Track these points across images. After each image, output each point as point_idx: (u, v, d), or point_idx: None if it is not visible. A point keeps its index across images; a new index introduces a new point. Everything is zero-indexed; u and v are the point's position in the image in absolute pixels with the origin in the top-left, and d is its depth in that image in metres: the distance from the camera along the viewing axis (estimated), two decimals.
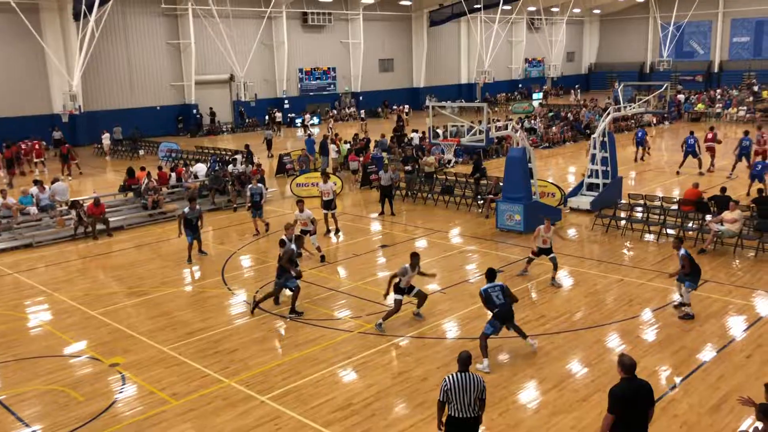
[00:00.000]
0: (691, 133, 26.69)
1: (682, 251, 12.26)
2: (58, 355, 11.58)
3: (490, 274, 11.10)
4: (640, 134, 30.22)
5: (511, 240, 17.68)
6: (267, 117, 46.70)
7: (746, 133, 25.95)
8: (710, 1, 65.71)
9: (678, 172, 26.27)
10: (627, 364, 7.03)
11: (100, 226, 19.54)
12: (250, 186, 19.39)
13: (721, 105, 46.43)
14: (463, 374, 7.38)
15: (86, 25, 33.77)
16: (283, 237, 13.65)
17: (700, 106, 46.02)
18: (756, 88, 56.61)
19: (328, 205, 18.52)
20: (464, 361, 7.49)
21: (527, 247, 16.74)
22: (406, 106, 51.51)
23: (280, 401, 9.68)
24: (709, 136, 26.69)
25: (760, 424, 6.93)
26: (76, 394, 10.09)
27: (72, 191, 24.11)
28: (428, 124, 22.43)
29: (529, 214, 18.00)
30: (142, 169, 23.48)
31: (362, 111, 50.14)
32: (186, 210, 16.61)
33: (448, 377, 7.39)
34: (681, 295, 12.43)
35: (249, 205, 19.17)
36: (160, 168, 24.65)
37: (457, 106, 36.01)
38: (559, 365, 10.55)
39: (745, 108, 44.61)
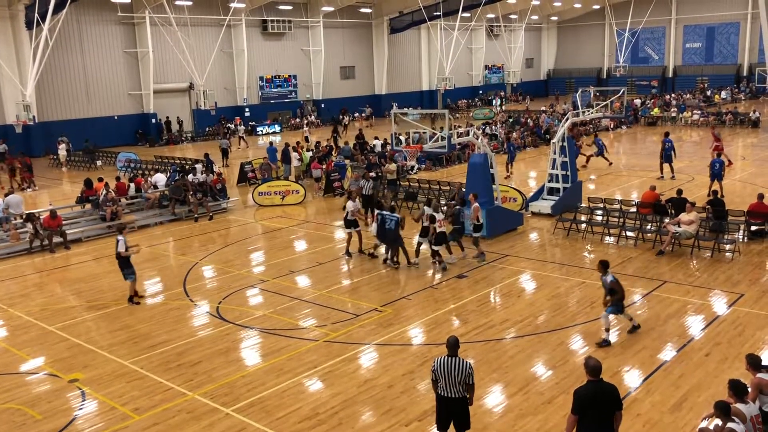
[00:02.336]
0: (666, 134, 26.85)
1: (610, 277, 11.37)
2: (14, 373, 11.25)
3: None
4: (511, 148, 29.44)
5: None
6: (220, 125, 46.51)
7: (667, 134, 26.63)
8: (663, 8, 67.40)
9: (673, 177, 25.67)
10: (591, 366, 7.13)
11: (57, 239, 19.09)
12: (119, 237, 14.15)
13: (675, 109, 47.56)
14: (451, 358, 7.70)
15: (40, 33, 33.05)
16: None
17: (655, 111, 47.06)
18: (708, 93, 58.21)
19: (353, 224, 17.04)
20: (452, 346, 7.79)
21: (491, 252, 16.91)
22: (346, 118, 50.34)
23: (245, 413, 9.55)
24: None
25: (719, 421, 7.07)
26: (34, 413, 9.81)
27: (27, 204, 23.51)
28: (392, 130, 22.46)
29: (492, 218, 18.15)
30: (100, 179, 23.02)
31: (305, 119, 49.79)
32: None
33: (436, 359, 7.80)
34: (631, 320, 11.81)
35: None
36: (118, 179, 24.14)
37: (418, 113, 36.18)
38: (523, 368, 10.64)
39: (699, 112, 45.76)
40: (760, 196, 17.22)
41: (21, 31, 36.42)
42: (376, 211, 16.40)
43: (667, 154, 25.90)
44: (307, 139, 34.02)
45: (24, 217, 19.80)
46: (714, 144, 27.11)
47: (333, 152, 29.23)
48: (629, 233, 17.79)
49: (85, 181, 23.05)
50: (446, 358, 7.74)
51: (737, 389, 7.28)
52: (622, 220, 18.09)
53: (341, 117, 47.82)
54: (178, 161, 30.14)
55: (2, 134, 36.77)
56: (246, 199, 25.36)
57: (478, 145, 19.86)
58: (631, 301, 13.39)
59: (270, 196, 24.24)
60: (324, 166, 26.54)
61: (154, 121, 44.39)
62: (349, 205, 17.08)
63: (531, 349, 11.33)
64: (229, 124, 45.83)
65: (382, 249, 16.77)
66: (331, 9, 51.33)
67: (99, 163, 35.01)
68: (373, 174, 24.55)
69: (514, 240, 18.27)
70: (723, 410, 6.97)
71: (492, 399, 9.76)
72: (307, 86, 53.85)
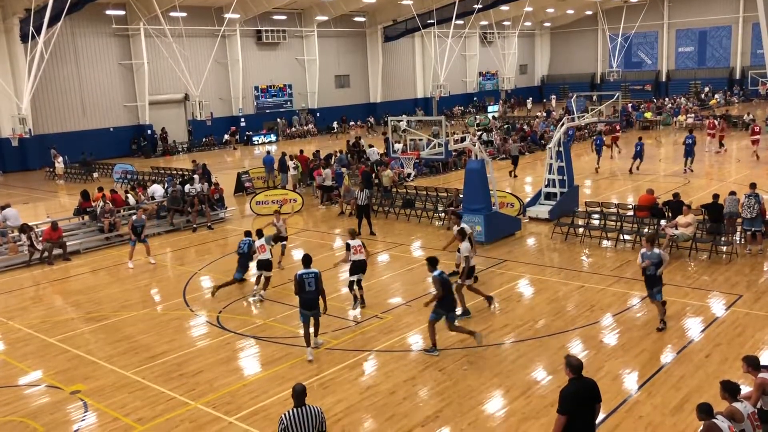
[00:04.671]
0: (690, 131, 29.07)
1: (436, 273, 11.25)
2: (15, 385, 11.23)
3: (306, 260, 11.69)
4: (598, 141, 31.14)
5: None
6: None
7: (690, 130, 27.95)
8: (655, 13, 67.79)
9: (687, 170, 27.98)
10: (574, 365, 7.23)
11: (56, 251, 19.07)
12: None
13: (669, 113, 47.79)
14: (300, 409, 6.99)
15: (35, 47, 33.05)
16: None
17: (648, 115, 47.26)
18: (703, 96, 58.48)
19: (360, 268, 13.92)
20: (299, 395, 7.09)
21: (490, 258, 16.97)
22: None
23: (248, 421, 9.55)
24: (756, 129, 31.03)
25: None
26: (36, 425, 9.80)
27: (24, 216, 23.44)
28: (390, 138, 22.53)
29: (490, 224, 18.22)
30: (100, 189, 22.97)
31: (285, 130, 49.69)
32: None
33: (284, 415, 6.95)
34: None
35: None
36: (113, 191, 23.95)
37: (414, 119, 36.35)
38: (525, 372, 10.67)
39: (693, 115, 45.97)
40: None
41: (16, 45, 36.50)
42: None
43: (688, 150, 27.85)
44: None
45: (20, 228, 19.76)
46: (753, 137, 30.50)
47: (331, 160, 29.24)
48: (626, 236, 17.86)
49: (81, 193, 23.02)
50: (295, 410, 6.95)
51: (730, 389, 7.33)
52: (619, 223, 18.17)
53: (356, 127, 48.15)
54: (175, 172, 30.14)
55: None
56: (243, 209, 25.38)
57: (474, 152, 19.95)
58: (631, 304, 13.45)
59: (268, 205, 24.25)
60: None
61: (150, 131, 44.40)
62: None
63: (532, 354, 11.36)
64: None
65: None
66: (325, 18, 51.51)
67: (96, 175, 35.00)
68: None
69: (513, 245, 18.33)
70: (706, 411, 7.01)
71: (494, 404, 9.78)
72: (302, 95, 53.96)
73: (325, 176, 25.52)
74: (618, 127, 35.51)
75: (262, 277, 14.90)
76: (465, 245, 13.07)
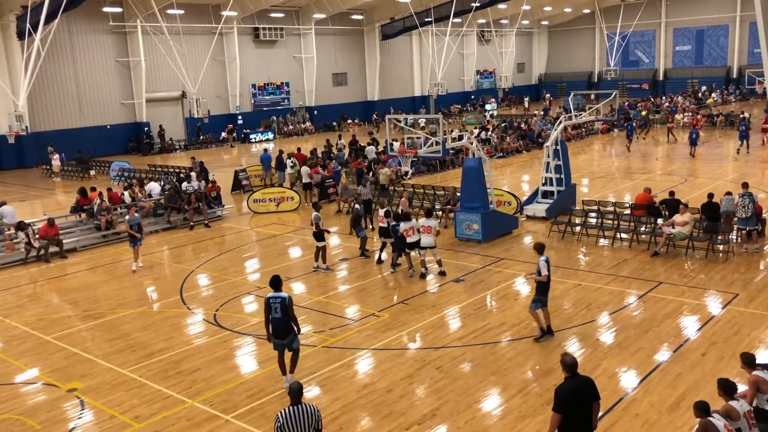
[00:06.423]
0: (742, 112, 34.05)
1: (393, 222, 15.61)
2: (11, 383, 11.22)
3: (275, 283, 10.20)
4: (629, 126, 35.74)
5: (470, 249, 17.85)
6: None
7: (744, 118, 31.60)
8: (653, 11, 67.83)
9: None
10: (569, 363, 7.27)
11: (53, 249, 19.02)
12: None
13: (666, 111, 47.80)
14: (295, 407, 7.03)
15: (31, 44, 32.96)
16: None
17: (643, 113, 47.25)
18: (700, 94, 58.50)
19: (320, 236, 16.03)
20: (295, 393, 7.12)
21: (487, 256, 16.99)
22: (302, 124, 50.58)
23: (245, 420, 9.55)
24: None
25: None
26: (33, 422, 9.78)
27: (21, 214, 23.39)
28: (386, 136, 22.53)
29: (487, 222, 18.23)
30: (93, 189, 22.90)
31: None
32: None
33: (281, 413, 6.99)
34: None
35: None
36: (109, 189, 23.88)
37: (411, 118, 36.42)
38: (522, 371, 10.68)
39: (690, 114, 45.99)
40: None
41: (12, 42, 36.38)
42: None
43: (743, 134, 31.48)
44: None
45: (17, 226, 19.70)
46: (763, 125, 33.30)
47: (331, 155, 29.20)
48: (623, 235, 17.88)
49: (79, 191, 22.95)
50: (291, 408, 6.98)
51: (727, 388, 7.35)
52: (616, 222, 18.19)
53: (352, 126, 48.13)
54: (172, 169, 30.10)
55: None
56: (241, 207, 25.36)
57: (472, 150, 19.95)
58: (627, 303, 13.47)
59: (265, 203, 24.25)
60: (325, 172, 26.37)
61: (147, 129, 44.30)
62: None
63: (528, 352, 11.38)
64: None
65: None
66: (323, 16, 51.46)
67: (92, 172, 34.92)
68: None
69: (510, 243, 18.34)
70: (702, 409, 7.02)
71: (491, 402, 9.79)
72: (300, 93, 53.91)
73: (303, 173, 25.40)
74: (671, 119, 40.67)
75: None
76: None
